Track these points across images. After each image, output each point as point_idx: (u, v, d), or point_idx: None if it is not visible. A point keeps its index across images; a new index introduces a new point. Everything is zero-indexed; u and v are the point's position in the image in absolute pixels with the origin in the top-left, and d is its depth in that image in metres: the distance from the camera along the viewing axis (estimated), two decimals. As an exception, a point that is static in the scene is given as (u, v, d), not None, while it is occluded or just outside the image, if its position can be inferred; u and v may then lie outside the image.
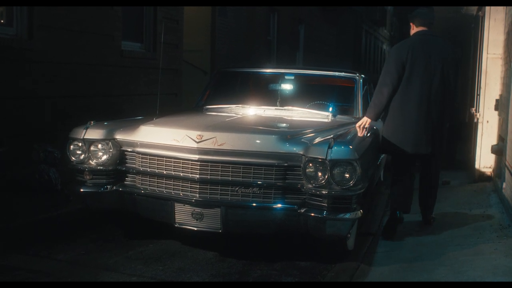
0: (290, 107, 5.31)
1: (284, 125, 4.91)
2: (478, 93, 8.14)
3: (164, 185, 4.19)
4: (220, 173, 4.01)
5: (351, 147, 3.91)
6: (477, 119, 7.56)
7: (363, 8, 22.48)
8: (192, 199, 4.04)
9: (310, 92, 5.93)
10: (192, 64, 9.94)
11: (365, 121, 4.69)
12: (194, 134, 4.06)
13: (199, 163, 4.02)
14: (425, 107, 4.72)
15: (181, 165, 4.09)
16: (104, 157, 4.34)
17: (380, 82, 4.80)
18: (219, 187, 4.04)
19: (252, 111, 5.21)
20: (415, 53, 4.72)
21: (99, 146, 4.34)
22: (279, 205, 3.99)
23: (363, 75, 5.93)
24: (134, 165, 4.33)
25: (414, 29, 4.94)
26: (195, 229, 4.12)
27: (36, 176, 5.54)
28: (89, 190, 4.35)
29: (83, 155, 4.36)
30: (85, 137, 4.34)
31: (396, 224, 4.95)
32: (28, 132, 5.88)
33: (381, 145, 4.99)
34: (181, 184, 4.12)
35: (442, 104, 4.78)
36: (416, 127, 4.73)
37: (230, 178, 4.00)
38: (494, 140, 7.05)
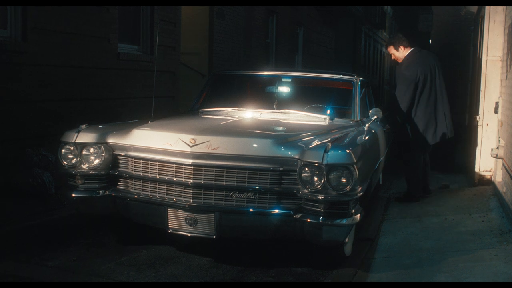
0: (287, 110, 5.22)
1: (280, 128, 4.83)
2: (478, 95, 8.06)
3: (157, 190, 4.11)
4: (214, 177, 3.93)
5: (348, 151, 3.82)
6: (477, 122, 7.48)
7: (362, 11, 22.43)
8: (186, 204, 3.96)
9: (307, 95, 5.85)
10: (190, 67, 9.88)
11: None
12: (188, 138, 3.98)
13: (192, 167, 3.93)
14: (439, 108, 6.19)
15: (174, 169, 4.01)
16: (96, 161, 4.25)
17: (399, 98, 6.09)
18: (213, 192, 3.95)
19: (248, 114, 5.13)
20: (425, 69, 6.05)
21: (91, 150, 4.26)
22: (275, 211, 3.90)
23: (361, 78, 5.85)
24: (127, 170, 4.25)
25: (405, 50, 6.23)
26: (189, 234, 4.03)
27: (29, 180, 5.46)
28: (81, 195, 4.27)
29: (75, 159, 4.28)
30: (76, 140, 4.26)
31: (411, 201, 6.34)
32: (22, 136, 5.81)
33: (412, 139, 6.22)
34: (174, 189, 4.04)
35: (447, 102, 6.23)
36: (435, 124, 6.17)
37: (224, 183, 3.92)
38: (494, 143, 6.97)
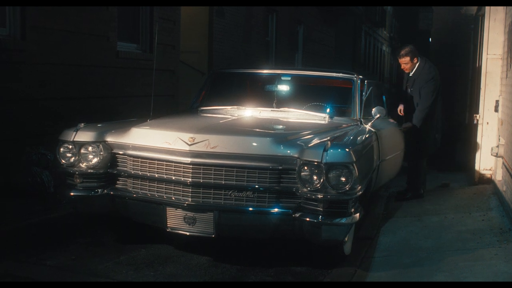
0: (286, 109, 5.21)
1: (279, 127, 4.81)
2: (478, 94, 8.04)
3: (155, 189, 4.10)
4: (213, 176, 3.91)
5: (347, 149, 3.81)
6: (477, 120, 7.47)
7: (363, 9, 22.39)
8: (184, 203, 3.94)
9: (307, 94, 5.82)
10: (190, 65, 9.85)
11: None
12: (186, 136, 3.97)
13: (191, 166, 3.92)
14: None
15: (173, 168, 3.99)
16: (95, 160, 4.24)
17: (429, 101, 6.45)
18: (212, 191, 3.94)
19: (247, 112, 5.11)
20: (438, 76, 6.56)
21: (90, 148, 4.25)
22: (274, 210, 3.89)
23: (361, 76, 5.83)
24: (125, 168, 4.23)
25: (418, 60, 6.51)
26: (188, 234, 4.02)
27: (28, 179, 5.44)
28: (80, 194, 4.25)
29: (73, 158, 4.26)
30: (75, 139, 4.24)
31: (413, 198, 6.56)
32: (21, 135, 5.78)
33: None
34: (173, 187, 4.02)
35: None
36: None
37: (223, 182, 3.91)
38: (494, 142, 6.96)
